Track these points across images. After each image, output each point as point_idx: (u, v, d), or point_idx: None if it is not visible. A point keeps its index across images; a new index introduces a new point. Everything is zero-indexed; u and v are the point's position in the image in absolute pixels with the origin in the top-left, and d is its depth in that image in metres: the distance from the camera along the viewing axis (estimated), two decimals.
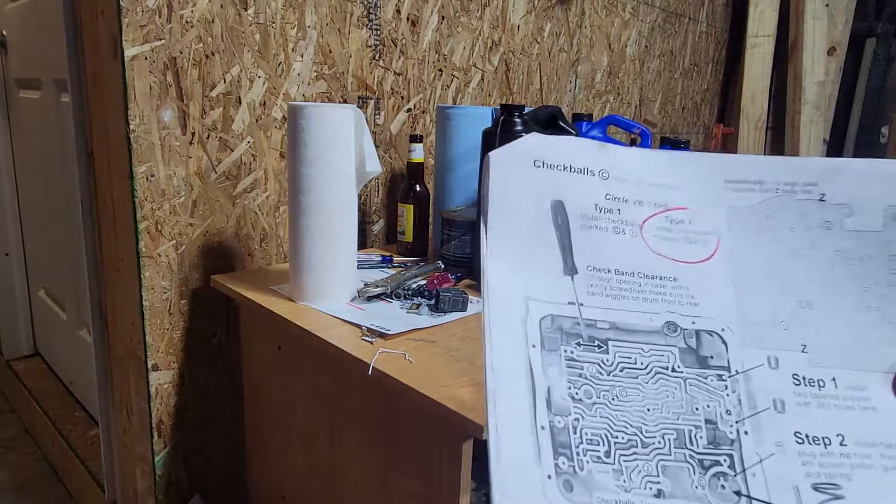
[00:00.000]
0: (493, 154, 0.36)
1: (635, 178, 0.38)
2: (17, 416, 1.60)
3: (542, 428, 0.31)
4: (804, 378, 0.35)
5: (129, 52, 0.79)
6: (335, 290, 0.79)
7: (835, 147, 2.28)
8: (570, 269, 0.35)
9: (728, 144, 2.22)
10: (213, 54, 0.87)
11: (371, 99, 1.10)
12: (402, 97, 1.15)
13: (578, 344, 0.34)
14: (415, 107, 1.18)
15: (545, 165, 0.37)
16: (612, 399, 0.33)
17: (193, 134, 0.87)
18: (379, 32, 1.08)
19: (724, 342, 0.35)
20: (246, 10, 0.89)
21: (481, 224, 0.36)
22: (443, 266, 0.92)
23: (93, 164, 0.93)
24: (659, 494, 0.32)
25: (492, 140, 0.83)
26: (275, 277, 0.89)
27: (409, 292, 0.82)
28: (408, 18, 1.13)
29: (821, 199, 0.38)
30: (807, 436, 0.33)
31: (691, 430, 0.33)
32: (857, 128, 2.28)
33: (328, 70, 1.02)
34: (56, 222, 1.44)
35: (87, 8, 0.85)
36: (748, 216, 0.38)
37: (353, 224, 0.80)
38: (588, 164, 0.37)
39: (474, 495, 0.66)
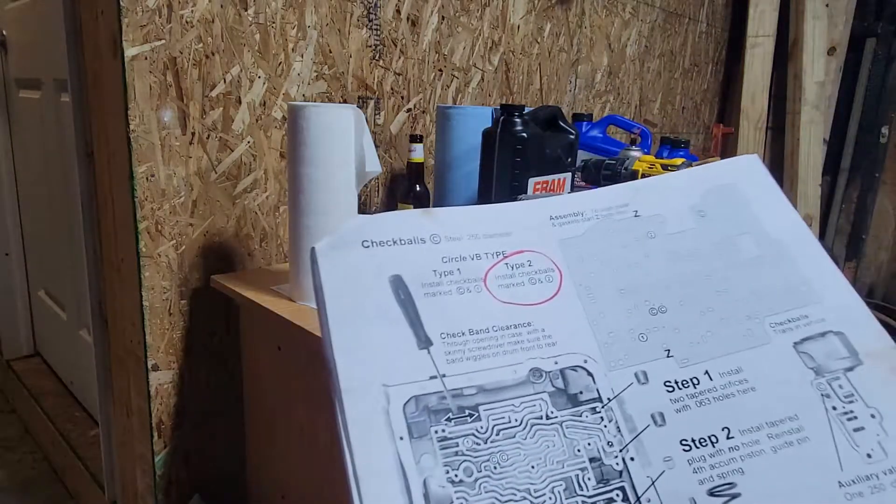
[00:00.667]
0: (317, 246, 0.35)
1: (467, 234, 0.38)
2: (17, 416, 1.60)
3: None
4: (676, 382, 0.35)
5: (129, 52, 0.79)
6: None
7: (835, 147, 2.28)
8: (425, 342, 0.34)
9: (728, 144, 2.22)
10: (213, 54, 0.87)
11: (371, 99, 1.10)
12: (402, 97, 1.15)
13: (449, 419, 0.32)
14: (415, 107, 1.18)
15: (374, 244, 0.36)
16: (495, 468, 0.31)
17: (193, 134, 0.87)
18: (379, 32, 1.08)
19: (590, 373, 0.35)
20: (246, 10, 0.89)
21: (321, 320, 0.34)
22: None
23: (93, 164, 0.93)
24: None
25: (492, 140, 0.83)
26: (275, 277, 0.89)
27: None
28: (408, 18, 1.13)
29: (636, 216, 0.40)
30: (693, 440, 0.33)
31: (578, 475, 0.31)
32: (857, 128, 2.28)
33: (328, 70, 1.02)
34: (56, 222, 1.44)
35: (87, 8, 0.85)
36: (580, 244, 0.39)
37: None
38: (416, 232, 0.37)
39: None
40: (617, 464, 0.32)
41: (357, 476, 0.30)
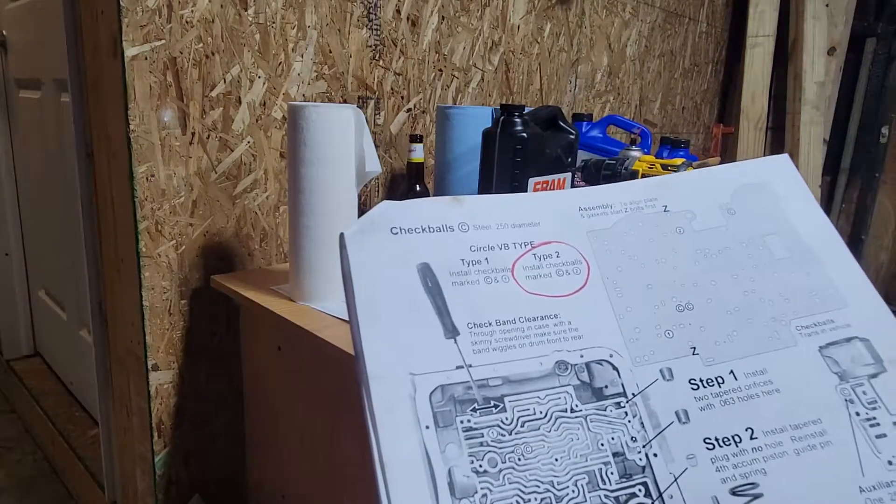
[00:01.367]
0: (346, 233, 0.35)
1: (495, 223, 0.38)
2: (17, 416, 1.60)
3: None
4: (701, 380, 0.35)
5: (129, 52, 0.79)
6: (335, 290, 0.79)
7: (835, 147, 2.28)
8: (452, 332, 0.34)
9: (728, 144, 2.22)
10: (213, 54, 0.87)
11: (371, 99, 1.10)
12: (402, 97, 1.15)
13: (474, 410, 0.32)
14: (415, 107, 1.18)
15: (402, 231, 0.36)
16: (519, 459, 0.31)
17: (193, 134, 0.87)
18: (379, 32, 1.08)
19: (615, 368, 0.35)
20: (246, 10, 0.89)
21: (349, 306, 0.34)
22: None
23: (93, 164, 0.93)
24: None
25: (492, 140, 0.83)
26: (275, 277, 0.89)
27: None
28: (408, 18, 1.13)
29: (665, 210, 0.40)
30: (716, 439, 0.33)
31: (601, 469, 0.32)
32: (857, 128, 2.28)
33: (328, 70, 1.02)
34: (56, 222, 1.44)
35: (87, 8, 0.85)
36: (608, 237, 0.39)
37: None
38: (445, 220, 0.37)
39: None
40: (640, 459, 0.32)
41: (383, 463, 0.29)
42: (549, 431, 0.32)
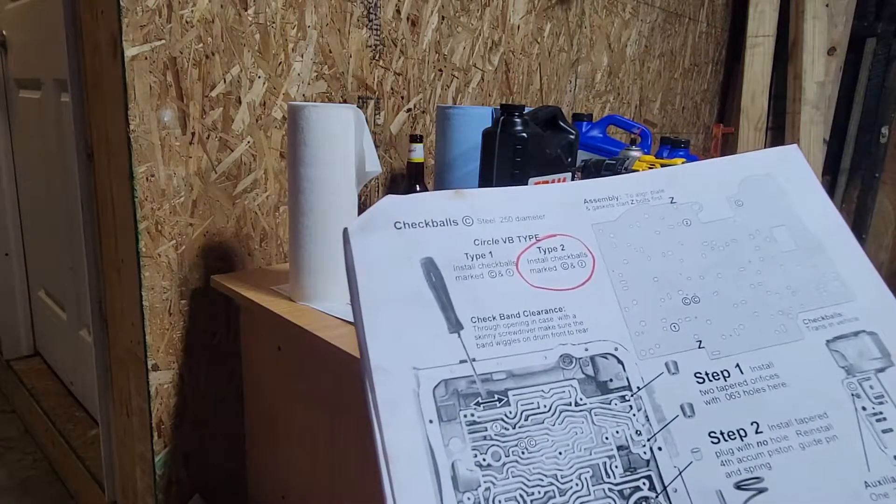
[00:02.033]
0: (350, 227, 0.35)
1: (499, 216, 0.38)
2: (17, 416, 1.60)
3: None
4: (707, 373, 0.35)
5: (129, 52, 0.79)
6: (335, 290, 0.79)
7: (835, 147, 2.28)
8: (455, 326, 0.34)
9: (728, 144, 2.22)
10: (213, 54, 0.87)
11: (371, 99, 1.10)
12: (402, 97, 1.15)
13: (478, 404, 0.32)
14: (415, 107, 1.18)
15: (406, 225, 0.36)
16: (523, 453, 0.31)
17: (193, 134, 0.87)
18: (379, 32, 1.08)
19: (620, 361, 0.34)
20: (246, 10, 0.89)
21: (353, 301, 0.34)
22: None
23: (93, 164, 0.93)
24: None
25: (492, 140, 0.83)
26: (275, 277, 0.89)
27: None
28: (408, 18, 1.13)
29: (672, 202, 0.40)
30: (721, 433, 0.33)
31: (605, 462, 0.32)
32: (857, 128, 2.28)
33: (328, 70, 1.02)
34: (56, 222, 1.44)
35: (87, 8, 0.85)
36: (613, 230, 0.39)
37: None
38: (449, 214, 0.37)
39: None
40: (644, 453, 0.32)
41: (387, 457, 0.29)
42: (554, 425, 0.32)
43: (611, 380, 0.34)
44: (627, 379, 0.34)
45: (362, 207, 1.12)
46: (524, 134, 0.82)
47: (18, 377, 1.62)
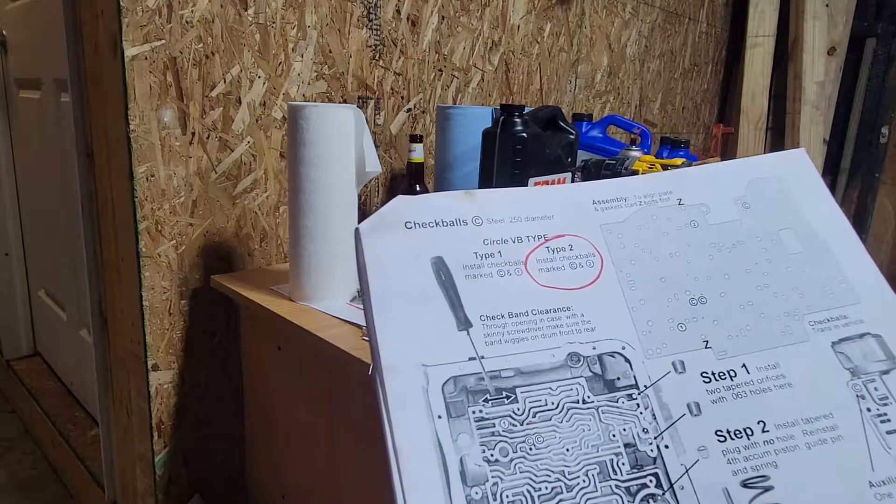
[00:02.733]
0: (361, 226, 0.35)
1: (509, 216, 0.38)
2: (17, 416, 1.60)
3: None
4: (714, 373, 0.35)
5: (129, 52, 0.79)
6: (335, 290, 0.79)
7: (835, 147, 2.28)
8: (464, 324, 0.34)
9: (728, 144, 2.22)
10: (213, 54, 0.87)
11: (371, 99, 1.10)
12: (402, 97, 1.15)
13: (486, 400, 0.32)
14: (415, 107, 1.18)
15: (416, 225, 0.36)
16: (530, 449, 0.32)
17: (193, 134, 0.87)
18: (379, 32, 1.08)
19: (628, 360, 0.35)
20: (246, 10, 0.89)
21: (364, 299, 0.34)
22: None
23: (93, 164, 0.93)
24: None
25: (492, 140, 0.83)
26: (275, 277, 0.89)
27: None
28: (408, 18, 1.13)
29: (679, 203, 0.40)
30: (728, 432, 0.33)
31: (612, 459, 0.32)
32: (857, 128, 2.28)
33: (328, 70, 1.02)
34: (56, 222, 1.44)
35: (87, 8, 0.85)
36: (622, 230, 0.39)
37: (353, 224, 0.80)
38: (459, 214, 0.37)
39: None
40: (651, 450, 0.32)
41: (397, 452, 0.30)
42: (561, 422, 0.33)
43: (618, 378, 0.34)
44: (635, 377, 0.34)
45: (362, 207, 1.12)
46: (524, 134, 0.82)
47: (18, 377, 1.62)
